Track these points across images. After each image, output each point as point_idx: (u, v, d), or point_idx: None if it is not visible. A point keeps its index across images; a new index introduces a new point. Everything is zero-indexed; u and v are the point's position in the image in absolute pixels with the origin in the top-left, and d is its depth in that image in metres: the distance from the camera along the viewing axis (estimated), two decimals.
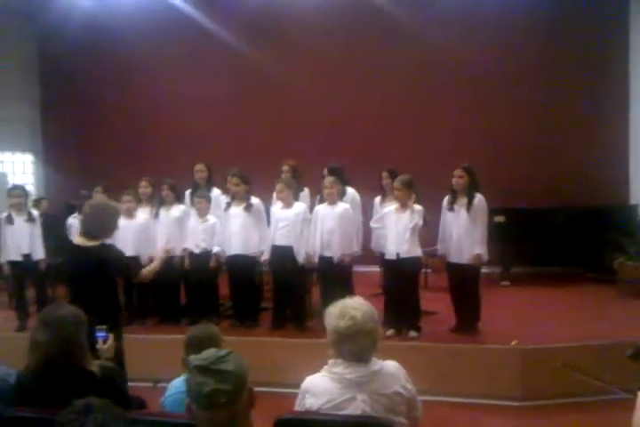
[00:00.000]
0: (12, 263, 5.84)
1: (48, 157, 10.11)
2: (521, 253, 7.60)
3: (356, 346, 2.24)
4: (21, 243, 5.80)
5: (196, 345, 2.65)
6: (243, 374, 1.69)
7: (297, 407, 2.34)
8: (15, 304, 6.02)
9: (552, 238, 7.54)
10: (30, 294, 6.01)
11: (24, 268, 5.86)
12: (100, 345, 2.82)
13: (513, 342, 4.84)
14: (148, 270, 3.94)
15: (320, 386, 2.28)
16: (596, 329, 5.28)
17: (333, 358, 2.31)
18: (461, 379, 4.69)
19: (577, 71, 8.33)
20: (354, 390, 2.23)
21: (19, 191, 5.98)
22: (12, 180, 9.88)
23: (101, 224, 3.63)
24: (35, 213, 5.97)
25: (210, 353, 1.71)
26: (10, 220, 5.81)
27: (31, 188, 9.49)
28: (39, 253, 5.82)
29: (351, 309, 2.28)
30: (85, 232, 3.62)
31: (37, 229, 5.87)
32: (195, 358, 1.69)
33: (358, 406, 2.22)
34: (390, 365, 2.36)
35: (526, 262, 7.85)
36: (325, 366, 2.32)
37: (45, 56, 9.92)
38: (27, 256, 5.81)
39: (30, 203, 6.78)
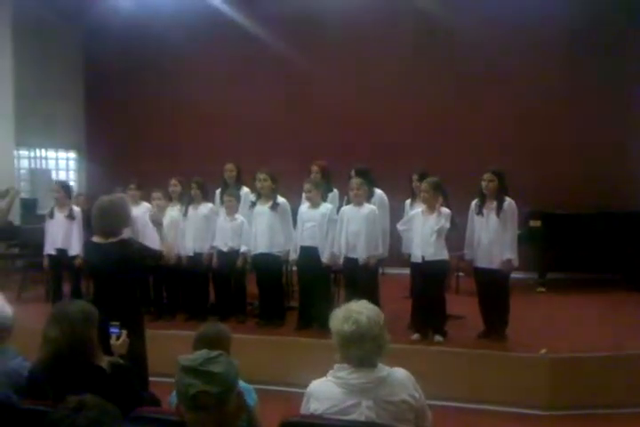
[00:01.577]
0: (50, 257, 6.06)
1: (90, 155, 10.40)
2: (557, 258, 7.39)
3: (360, 351, 2.21)
4: (57, 238, 5.99)
5: (204, 343, 2.66)
6: (231, 376, 1.67)
7: (302, 411, 2.32)
8: (51, 297, 6.20)
9: (590, 244, 7.30)
10: (67, 288, 6.17)
11: (60, 262, 6.03)
12: (113, 341, 2.85)
13: (542, 351, 4.71)
14: (166, 251, 3.99)
15: (324, 391, 2.25)
16: (629, 339, 5.07)
17: (339, 362, 2.28)
18: (487, 386, 4.58)
19: (628, 73, 8.05)
20: (358, 396, 2.20)
21: (57, 187, 6.22)
22: (56, 176, 10.21)
23: (113, 221, 3.68)
24: (76, 209, 6.12)
25: (200, 354, 1.71)
26: (51, 214, 6.07)
27: (73, 184, 9.74)
28: (75, 249, 5.96)
29: (355, 312, 2.24)
30: (100, 232, 3.69)
31: (76, 226, 6.01)
32: (184, 359, 1.68)
33: (363, 412, 2.19)
34: (398, 372, 2.32)
35: (563, 268, 7.62)
36: (331, 371, 2.29)
37: (90, 56, 10.20)
38: (62, 251, 5.97)
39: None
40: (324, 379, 2.30)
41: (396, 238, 5.77)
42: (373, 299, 5.12)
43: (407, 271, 6.73)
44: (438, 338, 5.05)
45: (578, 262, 7.57)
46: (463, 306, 5.76)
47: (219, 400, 1.62)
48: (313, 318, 5.54)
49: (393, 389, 2.24)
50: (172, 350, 4.80)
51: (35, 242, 7.34)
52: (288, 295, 6.26)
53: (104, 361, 2.51)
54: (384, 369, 2.27)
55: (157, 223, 4.21)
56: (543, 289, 7.32)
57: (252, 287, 5.96)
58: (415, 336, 5.04)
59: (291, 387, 4.65)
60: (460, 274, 6.97)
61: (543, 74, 8.11)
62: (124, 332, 2.91)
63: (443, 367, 4.58)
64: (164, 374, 4.01)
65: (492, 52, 8.19)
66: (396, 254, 5.87)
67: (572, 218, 7.40)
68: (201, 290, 5.97)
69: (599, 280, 7.44)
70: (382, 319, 2.28)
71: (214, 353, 1.71)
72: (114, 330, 2.86)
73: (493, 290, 5.12)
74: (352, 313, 2.24)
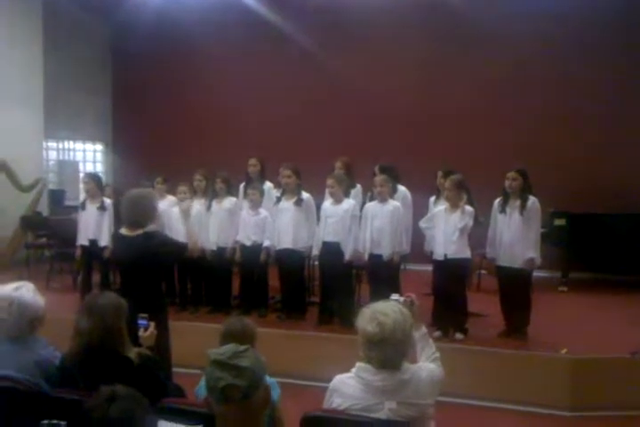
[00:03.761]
0: (82, 247, 6.18)
1: (117, 147, 10.56)
2: (581, 258, 7.32)
3: (381, 353, 2.19)
4: (88, 229, 6.11)
5: (231, 337, 2.71)
6: (259, 370, 1.71)
7: (325, 405, 2.33)
8: (80, 287, 6.32)
9: (614, 245, 7.20)
10: (95, 279, 6.30)
11: (91, 253, 6.15)
12: (141, 333, 2.91)
13: (563, 351, 4.69)
14: (191, 245, 4.04)
15: (348, 388, 2.25)
16: None
17: (362, 361, 2.27)
18: (506, 385, 4.57)
19: None
20: (381, 397, 2.19)
21: (87, 179, 6.36)
22: (83, 168, 10.38)
23: (141, 212, 3.74)
24: (107, 201, 6.19)
25: (228, 348, 1.74)
26: (83, 206, 6.20)
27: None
28: (105, 240, 6.03)
29: (382, 314, 2.20)
30: (127, 222, 3.76)
31: (107, 217, 6.09)
32: (212, 353, 1.72)
33: (386, 413, 2.19)
34: (425, 373, 2.30)
35: (586, 268, 7.55)
36: (354, 368, 2.29)
37: (118, 50, 10.34)
38: (93, 242, 6.09)
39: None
40: (348, 375, 2.29)
41: (418, 235, 5.78)
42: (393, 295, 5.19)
43: (429, 268, 6.78)
44: (459, 336, 5.06)
45: (601, 263, 7.47)
46: (484, 304, 5.76)
47: (246, 394, 1.65)
48: (334, 314, 5.59)
49: (417, 391, 2.22)
50: (195, 341, 4.93)
51: (62, 233, 7.51)
52: (309, 290, 6.30)
53: (133, 352, 2.57)
54: (408, 371, 2.24)
55: (186, 214, 4.27)
56: (565, 289, 7.26)
57: (273, 282, 6.02)
58: (436, 334, 5.05)
59: (309, 381, 4.70)
60: (483, 272, 6.96)
61: (569, 73, 8.03)
62: (152, 324, 2.97)
63: (463, 365, 4.58)
64: (187, 365, 4.12)
65: (518, 52, 8.10)
66: (418, 251, 5.88)
67: (596, 218, 7.33)
68: (224, 283, 6.04)
69: (622, 281, 7.36)
70: (409, 324, 2.25)
71: (242, 348, 1.74)
72: (142, 322, 2.92)
73: (515, 289, 5.11)
74: (378, 314, 2.20)
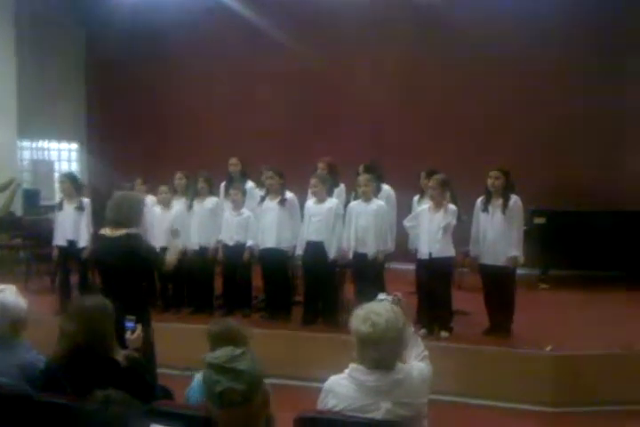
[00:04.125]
0: (59, 248, 6.04)
1: (91, 147, 10.39)
2: (561, 255, 7.40)
3: (375, 353, 2.18)
4: (67, 229, 5.98)
5: (216, 340, 2.67)
6: (257, 373, 1.68)
7: (319, 406, 2.31)
8: (58, 289, 6.18)
9: (594, 242, 7.30)
10: (74, 279, 6.17)
11: (69, 253, 6.03)
12: (128, 335, 2.86)
13: (547, 348, 4.73)
14: (169, 261, 3.92)
15: (342, 388, 2.24)
16: (633, 338, 5.10)
17: (356, 362, 2.26)
18: (492, 382, 4.60)
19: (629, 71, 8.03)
20: (375, 397, 2.19)
21: (63, 178, 6.25)
22: (58, 167, 10.20)
23: (126, 212, 3.68)
24: (85, 201, 6.07)
25: (224, 352, 1.71)
26: (60, 206, 6.06)
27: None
28: (84, 241, 5.94)
29: (375, 314, 2.20)
30: (111, 221, 3.69)
31: (85, 218, 5.98)
32: (209, 357, 1.69)
33: (381, 413, 2.18)
34: (416, 372, 2.30)
35: (566, 266, 7.63)
36: (347, 369, 2.27)
37: (92, 49, 10.18)
38: (71, 242, 5.98)
39: None
40: (342, 376, 2.28)
41: (400, 233, 5.79)
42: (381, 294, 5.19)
43: (412, 266, 6.81)
44: (444, 334, 5.07)
45: (581, 260, 7.57)
46: (466, 302, 5.77)
47: (245, 397, 1.62)
48: (318, 313, 5.57)
49: (411, 390, 2.22)
50: (178, 343, 4.88)
51: (38, 233, 7.37)
52: (292, 290, 6.26)
53: (120, 355, 2.52)
54: (402, 370, 2.24)
55: (175, 235, 4.28)
56: (546, 286, 7.34)
57: (256, 281, 5.98)
58: (422, 332, 5.05)
59: (295, 380, 4.70)
60: (464, 270, 6.98)
61: (555, 68, 8.07)
62: (139, 326, 2.92)
63: (449, 363, 4.59)
64: (171, 366, 4.06)
65: (504, 46, 8.12)
66: (401, 249, 5.89)
67: (576, 215, 7.42)
68: (205, 283, 5.98)
69: (602, 278, 7.46)
70: (402, 323, 2.24)
71: (238, 351, 1.71)
72: (129, 324, 2.87)
73: (499, 287, 5.14)
74: (371, 314, 2.20)
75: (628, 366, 4.61)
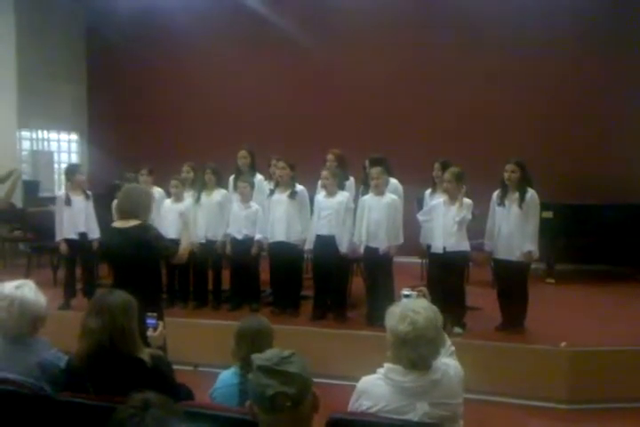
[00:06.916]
0: (69, 241, 5.84)
1: (92, 137, 10.23)
2: (567, 249, 7.35)
3: (414, 353, 2.12)
4: (78, 222, 5.84)
5: (247, 337, 2.59)
6: (307, 376, 1.60)
7: (351, 408, 2.25)
8: (64, 282, 6.02)
9: (600, 236, 7.25)
10: (77, 273, 6.05)
11: (78, 246, 5.88)
12: (150, 333, 2.77)
13: (562, 344, 4.68)
14: (182, 252, 3.85)
15: (376, 390, 2.17)
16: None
17: (391, 362, 2.19)
18: (507, 379, 4.56)
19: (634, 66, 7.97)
20: (411, 398, 2.12)
21: (82, 170, 6.16)
22: (58, 158, 10.05)
23: (137, 204, 3.67)
24: (88, 191, 5.97)
25: (273, 353, 1.63)
26: (68, 201, 5.83)
27: None
28: (95, 232, 5.83)
29: (413, 312, 2.14)
30: (122, 213, 3.67)
31: (92, 208, 5.90)
32: (258, 358, 1.60)
33: (417, 414, 2.12)
34: (452, 373, 2.23)
35: (572, 260, 7.59)
36: (382, 369, 2.20)
37: (93, 37, 9.99)
38: (82, 235, 5.85)
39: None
40: (375, 376, 2.21)
41: (407, 227, 5.71)
42: (389, 288, 5.12)
43: (417, 260, 6.75)
44: (457, 330, 5.00)
45: (587, 254, 7.54)
46: (477, 297, 5.72)
47: (295, 401, 1.55)
48: (328, 308, 5.50)
49: (448, 391, 2.16)
50: (187, 337, 4.81)
51: (39, 225, 7.23)
52: (301, 284, 6.18)
53: (145, 353, 2.44)
54: (438, 370, 2.17)
55: (187, 222, 4.26)
56: (552, 280, 7.29)
57: (264, 275, 5.90)
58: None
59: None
60: (470, 264, 6.92)
61: (565, 65, 8.02)
62: (161, 323, 2.84)
63: (463, 360, 4.54)
64: (181, 362, 3.97)
65: (517, 42, 8.06)
66: (407, 243, 5.80)
67: (583, 209, 7.35)
68: (213, 277, 5.89)
69: (608, 272, 7.43)
70: (440, 321, 2.19)
71: (287, 352, 1.63)
72: (151, 321, 2.78)
73: (513, 282, 5.07)
74: (409, 312, 2.14)
75: None
